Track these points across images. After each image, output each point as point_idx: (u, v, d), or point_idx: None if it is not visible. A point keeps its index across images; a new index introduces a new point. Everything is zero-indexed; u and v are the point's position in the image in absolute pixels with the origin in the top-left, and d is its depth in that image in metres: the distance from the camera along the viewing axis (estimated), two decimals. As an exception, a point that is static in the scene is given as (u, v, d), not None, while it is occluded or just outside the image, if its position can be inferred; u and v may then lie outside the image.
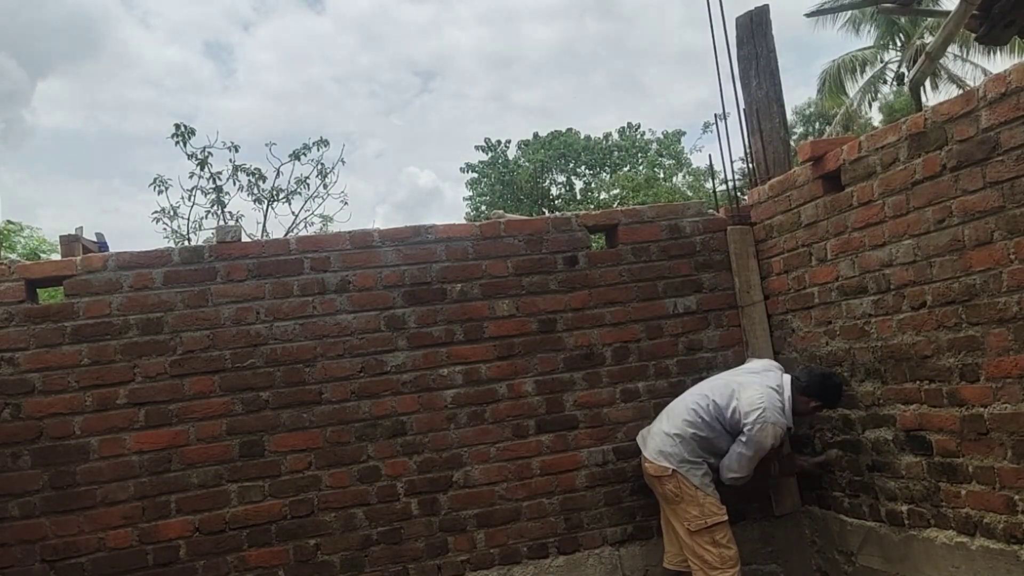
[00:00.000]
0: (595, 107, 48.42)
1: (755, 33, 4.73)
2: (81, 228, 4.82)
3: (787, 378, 3.86)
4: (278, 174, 15.42)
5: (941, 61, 19.90)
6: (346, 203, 22.15)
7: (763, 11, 4.76)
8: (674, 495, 3.81)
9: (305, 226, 15.71)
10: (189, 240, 14.31)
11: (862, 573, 3.94)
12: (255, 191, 15.23)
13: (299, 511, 3.82)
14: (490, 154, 28.14)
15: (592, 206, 23.50)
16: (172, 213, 14.60)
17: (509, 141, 28.25)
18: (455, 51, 56.38)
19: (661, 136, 28.37)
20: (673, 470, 3.79)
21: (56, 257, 5.12)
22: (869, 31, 23.14)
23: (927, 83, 21.34)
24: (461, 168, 28.65)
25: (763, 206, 4.41)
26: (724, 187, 5.00)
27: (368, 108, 54.87)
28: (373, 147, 51.77)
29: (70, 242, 4.54)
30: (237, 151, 14.66)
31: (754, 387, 3.78)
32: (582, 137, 28.13)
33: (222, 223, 13.74)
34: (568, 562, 4.10)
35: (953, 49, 20.44)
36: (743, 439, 3.72)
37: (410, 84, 56.72)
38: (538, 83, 53.15)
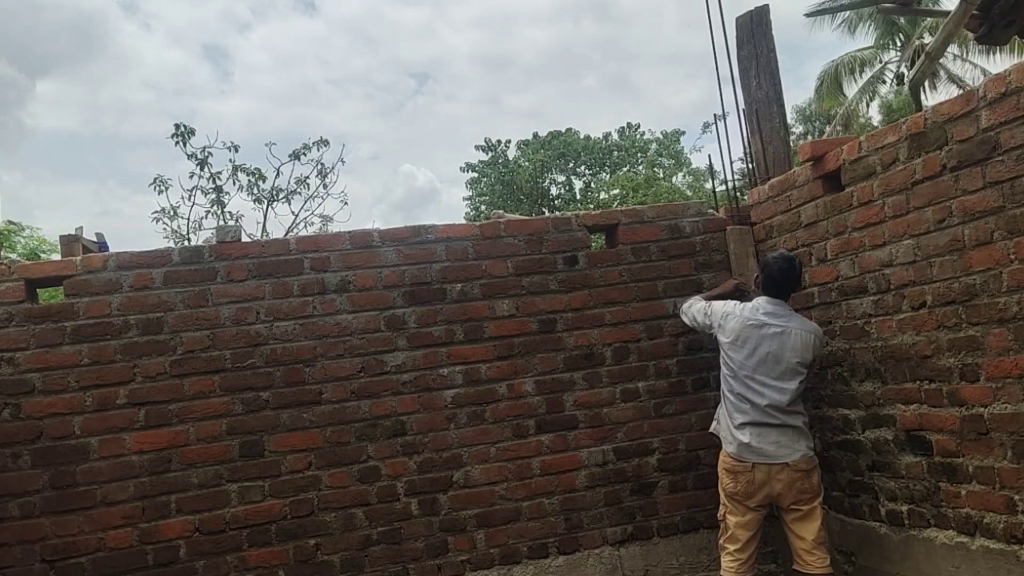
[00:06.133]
0: (589, 110, 48.47)
1: (755, 33, 4.73)
2: (81, 228, 4.81)
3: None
4: (278, 174, 15.46)
5: (941, 61, 19.89)
6: (346, 203, 22.16)
7: (763, 11, 4.76)
8: (817, 481, 3.63)
9: (305, 226, 15.72)
10: (189, 240, 14.31)
11: (862, 573, 3.93)
12: (255, 191, 15.25)
13: (299, 511, 3.82)
14: (490, 154, 28.14)
15: (592, 206, 23.51)
16: (172, 213, 14.61)
17: (509, 141, 28.28)
18: (450, 53, 56.45)
19: (660, 136, 28.39)
20: (814, 454, 3.67)
21: (56, 257, 5.12)
22: (866, 32, 23.13)
23: (927, 83, 21.31)
24: (461, 168, 28.70)
25: (763, 206, 4.41)
26: (724, 187, 4.99)
27: (363, 110, 54.95)
28: (368, 148, 51.91)
29: (70, 242, 4.54)
30: (237, 151, 14.68)
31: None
32: (581, 137, 28.13)
33: (222, 223, 13.76)
34: (568, 562, 4.10)
35: (953, 49, 20.44)
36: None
37: (405, 86, 56.79)
38: (532, 86, 53.25)
